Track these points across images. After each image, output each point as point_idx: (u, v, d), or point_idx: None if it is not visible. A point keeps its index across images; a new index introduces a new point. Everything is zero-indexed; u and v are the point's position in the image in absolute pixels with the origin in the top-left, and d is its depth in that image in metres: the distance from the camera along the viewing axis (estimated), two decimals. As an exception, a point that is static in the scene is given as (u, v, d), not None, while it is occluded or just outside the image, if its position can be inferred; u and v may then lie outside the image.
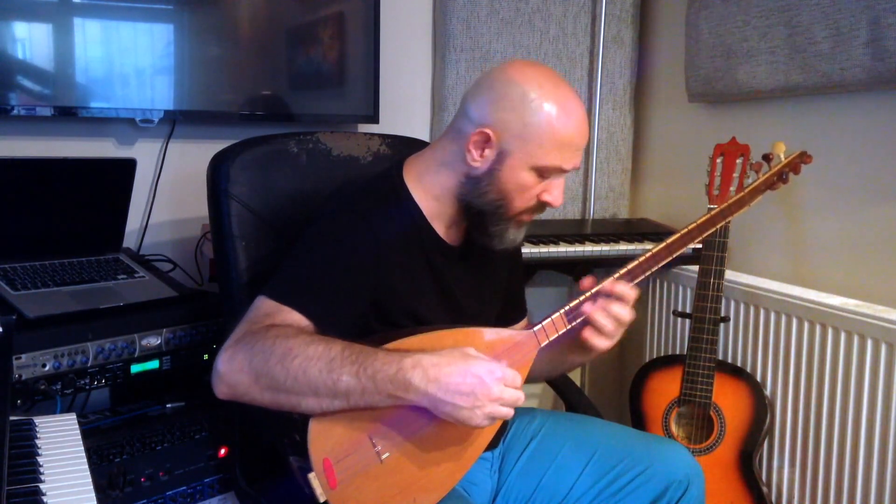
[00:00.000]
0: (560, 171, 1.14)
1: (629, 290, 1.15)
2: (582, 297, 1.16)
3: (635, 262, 1.19)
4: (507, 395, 1.02)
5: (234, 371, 1.03)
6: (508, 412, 1.04)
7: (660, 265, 1.20)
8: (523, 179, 1.14)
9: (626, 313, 1.15)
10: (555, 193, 1.16)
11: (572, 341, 1.24)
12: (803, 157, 1.45)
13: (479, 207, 1.17)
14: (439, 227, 1.23)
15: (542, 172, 1.14)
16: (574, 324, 1.16)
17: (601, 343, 1.16)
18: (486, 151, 1.14)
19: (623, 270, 1.18)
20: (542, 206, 1.18)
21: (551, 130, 1.11)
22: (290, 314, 1.07)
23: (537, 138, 1.11)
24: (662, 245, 1.21)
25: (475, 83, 1.20)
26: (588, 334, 1.16)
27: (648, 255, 1.19)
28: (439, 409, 1.02)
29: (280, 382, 1.01)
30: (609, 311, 1.14)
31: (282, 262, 1.15)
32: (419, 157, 1.25)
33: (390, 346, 1.08)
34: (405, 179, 1.22)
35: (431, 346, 1.06)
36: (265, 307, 1.08)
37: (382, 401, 1.02)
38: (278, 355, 1.01)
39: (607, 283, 1.15)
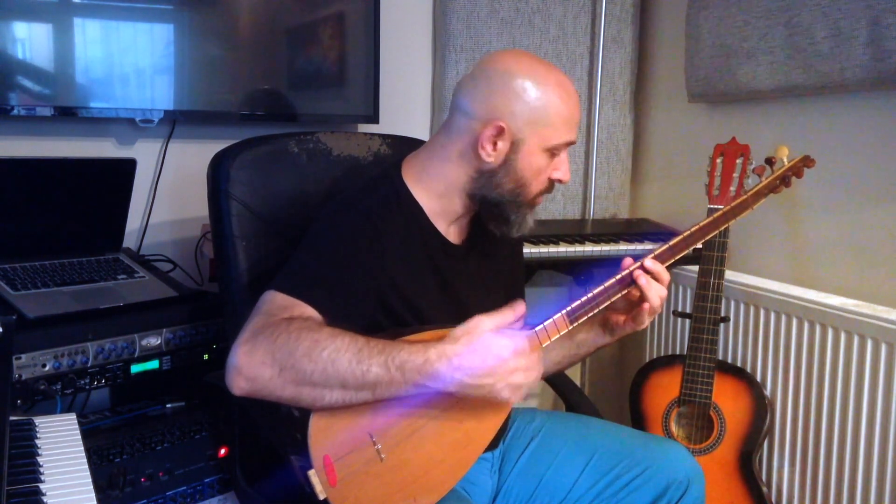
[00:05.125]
0: (568, 144, 1.20)
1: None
2: (622, 273, 1.20)
3: (666, 246, 1.23)
4: (523, 363, 1.04)
5: (255, 364, 1.01)
6: (531, 379, 1.05)
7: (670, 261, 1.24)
8: (538, 163, 1.18)
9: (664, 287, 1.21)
10: (563, 169, 1.21)
11: (601, 323, 1.30)
12: (806, 161, 1.45)
13: (497, 199, 1.20)
14: (441, 226, 1.23)
15: (554, 151, 1.19)
16: (591, 314, 1.18)
17: (647, 320, 1.22)
18: (500, 144, 1.16)
19: (660, 250, 1.22)
20: (552, 185, 1.23)
21: (557, 110, 1.16)
22: (304, 308, 1.07)
23: (547, 120, 1.16)
24: (680, 238, 1.24)
25: (467, 79, 1.22)
26: (649, 300, 1.20)
27: (667, 245, 1.23)
28: (469, 393, 1.03)
29: (307, 375, 1.00)
30: (660, 281, 1.20)
31: (288, 258, 1.15)
32: (416, 157, 1.25)
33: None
34: (405, 179, 1.22)
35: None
36: (279, 300, 1.07)
37: (407, 391, 1.02)
38: (305, 347, 1.00)
39: (648, 259, 1.20)
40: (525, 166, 1.17)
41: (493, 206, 1.20)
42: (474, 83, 1.20)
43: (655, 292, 1.19)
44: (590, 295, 1.18)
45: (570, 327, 1.16)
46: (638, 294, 1.20)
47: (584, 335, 1.33)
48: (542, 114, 1.15)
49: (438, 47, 2.24)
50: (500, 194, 1.19)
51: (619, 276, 1.19)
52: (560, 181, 1.22)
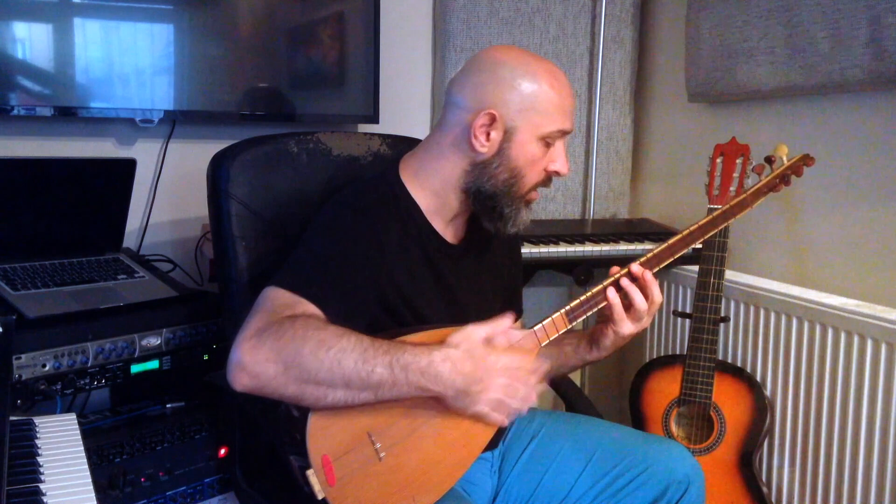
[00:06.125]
0: (563, 133, 1.19)
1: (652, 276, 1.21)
2: (608, 281, 1.20)
3: (654, 252, 1.23)
4: (520, 388, 1.06)
5: (260, 361, 1.00)
6: (515, 397, 1.06)
7: (665, 263, 1.24)
8: (532, 152, 1.18)
9: (657, 294, 1.20)
10: (559, 161, 1.20)
11: (588, 337, 1.29)
12: (805, 160, 1.46)
13: (491, 191, 1.19)
14: (438, 225, 1.23)
15: (548, 140, 1.18)
16: (590, 313, 1.18)
17: (627, 328, 1.20)
18: (493, 134, 1.16)
19: (648, 256, 1.22)
20: (549, 178, 1.22)
21: (549, 97, 1.16)
22: (307, 305, 1.06)
23: (539, 107, 1.16)
24: (678, 237, 1.24)
25: (457, 75, 1.23)
26: (618, 317, 1.19)
27: (664, 246, 1.23)
28: (460, 401, 1.04)
29: (312, 373, 0.99)
30: (646, 290, 1.19)
31: (289, 255, 1.15)
32: (413, 156, 1.25)
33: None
34: (402, 178, 1.22)
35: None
36: (281, 297, 1.07)
37: (409, 392, 1.02)
38: (311, 346, 0.99)
39: (635, 266, 1.20)
40: (519, 155, 1.17)
41: (486, 199, 1.20)
42: (465, 77, 1.20)
43: (640, 295, 1.19)
44: (588, 294, 1.18)
45: (569, 326, 1.16)
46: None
47: (571, 350, 1.33)
48: (532, 101, 1.15)
49: (438, 47, 2.24)
50: (495, 185, 1.18)
51: (613, 278, 1.20)
52: (557, 174, 1.21)
